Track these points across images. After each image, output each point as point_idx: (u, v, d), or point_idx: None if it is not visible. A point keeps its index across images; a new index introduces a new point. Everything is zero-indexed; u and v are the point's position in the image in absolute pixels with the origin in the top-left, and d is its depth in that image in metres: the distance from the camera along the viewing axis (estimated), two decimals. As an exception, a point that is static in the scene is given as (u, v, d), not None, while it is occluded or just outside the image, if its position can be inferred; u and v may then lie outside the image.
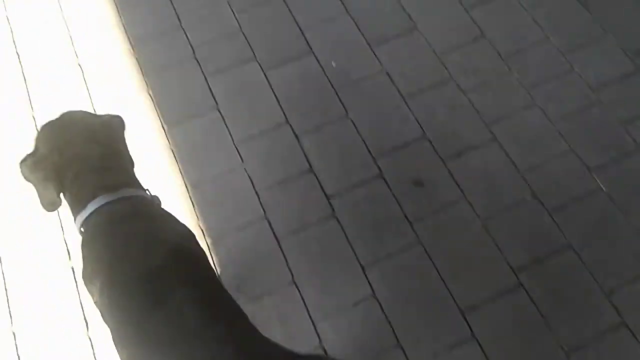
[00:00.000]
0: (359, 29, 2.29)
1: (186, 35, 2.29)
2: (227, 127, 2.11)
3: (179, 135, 2.10)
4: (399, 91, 2.17)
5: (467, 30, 2.29)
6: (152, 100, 2.16)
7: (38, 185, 1.27)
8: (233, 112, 2.14)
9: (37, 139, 1.30)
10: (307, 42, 2.27)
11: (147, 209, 1.29)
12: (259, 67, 2.22)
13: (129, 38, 2.29)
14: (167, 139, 2.08)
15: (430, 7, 2.34)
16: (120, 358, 1.16)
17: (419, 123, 2.10)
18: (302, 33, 2.28)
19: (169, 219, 1.32)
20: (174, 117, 2.13)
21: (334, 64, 2.22)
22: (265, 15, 2.32)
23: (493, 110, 2.12)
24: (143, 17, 2.33)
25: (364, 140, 2.08)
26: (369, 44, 2.26)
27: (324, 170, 2.03)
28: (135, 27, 2.32)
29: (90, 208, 1.24)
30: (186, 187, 2.00)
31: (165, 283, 1.15)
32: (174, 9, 2.35)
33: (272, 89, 2.18)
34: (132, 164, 1.39)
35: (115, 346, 1.17)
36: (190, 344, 1.09)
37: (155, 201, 1.35)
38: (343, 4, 2.35)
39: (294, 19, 2.31)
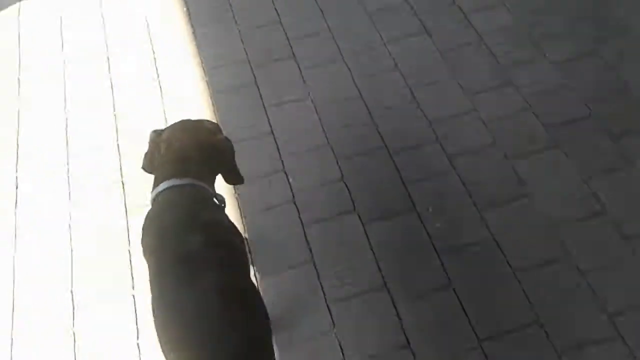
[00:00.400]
0: (467, 191, 2.18)
1: (287, 179, 2.25)
2: (320, 283, 1.99)
3: (271, 287, 2.00)
4: (508, 263, 2.00)
5: (585, 204, 2.13)
6: (247, 244, 2.09)
7: (148, 153, 1.60)
8: (328, 266, 2.03)
9: (167, 127, 1.60)
10: (410, 197, 2.17)
11: (204, 199, 1.47)
12: (359, 220, 2.13)
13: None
14: (259, 287, 1.98)
15: (545, 175, 2.21)
16: (155, 325, 1.33)
17: (529, 301, 1.91)
18: (406, 187, 2.20)
19: (219, 212, 1.50)
20: (268, 266, 2.05)
21: (430, 209, 2.11)
22: (369, 167, 2.26)
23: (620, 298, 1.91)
24: (247, 162, 2.32)
25: (467, 316, 1.90)
26: (476, 206, 2.14)
27: (423, 347, 1.85)
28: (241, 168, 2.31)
29: (162, 187, 1.46)
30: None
31: (198, 267, 1.33)
32: (279, 154, 2.33)
33: (370, 244, 2.07)
34: (213, 172, 1.58)
35: (152, 313, 1.35)
36: (209, 324, 1.27)
37: (217, 197, 1.56)
38: (452, 163, 2.26)
39: (398, 172, 2.24)
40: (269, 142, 2.35)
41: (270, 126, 2.39)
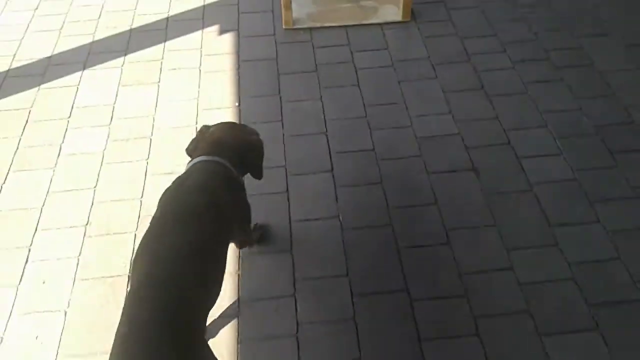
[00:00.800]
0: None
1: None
2: None
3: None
4: None
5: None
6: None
7: (194, 140, 1.88)
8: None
9: (215, 124, 1.91)
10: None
11: (226, 176, 1.75)
12: None
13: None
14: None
15: None
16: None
17: None
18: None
19: (235, 191, 1.79)
20: None
21: None
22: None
23: None
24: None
25: None
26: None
27: None
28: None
29: (195, 160, 1.77)
30: None
31: (181, 225, 1.57)
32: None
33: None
34: (242, 162, 1.84)
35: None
36: (163, 262, 1.49)
37: (236, 171, 1.80)
38: (477, 330, 2.04)
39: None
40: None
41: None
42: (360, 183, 2.47)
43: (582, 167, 2.49)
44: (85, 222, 2.32)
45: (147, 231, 1.60)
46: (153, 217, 1.64)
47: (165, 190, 1.73)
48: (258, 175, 1.92)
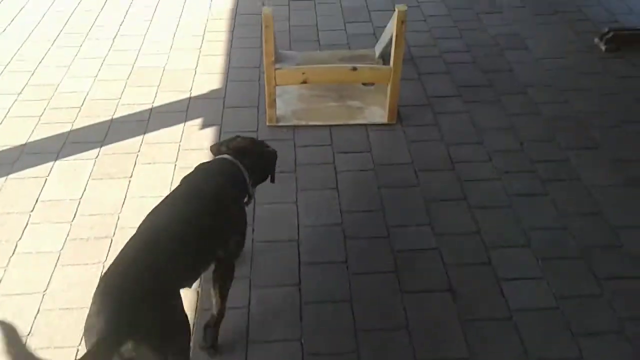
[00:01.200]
0: None
1: None
2: None
3: None
4: None
5: None
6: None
7: (218, 142, 2.29)
8: None
9: (241, 136, 2.27)
10: None
11: (236, 176, 2.08)
12: None
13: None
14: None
15: None
16: None
17: None
18: None
19: (238, 190, 2.09)
20: None
21: None
22: None
23: None
24: None
25: None
26: None
27: None
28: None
29: (216, 158, 2.16)
30: None
31: (186, 201, 1.93)
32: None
33: None
34: (255, 167, 2.18)
35: None
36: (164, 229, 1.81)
37: (249, 177, 2.12)
38: None
39: None
40: None
41: None
42: (328, 300, 2.31)
43: (565, 294, 2.33)
44: (27, 332, 2.15)
45: (164, 198, 1.98)
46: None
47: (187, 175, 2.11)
48: (272, 179, 2.33)
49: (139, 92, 3.54)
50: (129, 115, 3.34)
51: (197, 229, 1.83)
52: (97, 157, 3.02)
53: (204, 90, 3.58)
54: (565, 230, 2.62)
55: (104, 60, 3.85)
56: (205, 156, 3.02)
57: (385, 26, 3.52)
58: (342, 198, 2.80)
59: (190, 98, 3.50)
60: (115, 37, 4.13)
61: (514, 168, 2.99)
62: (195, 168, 2.12)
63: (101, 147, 3.09)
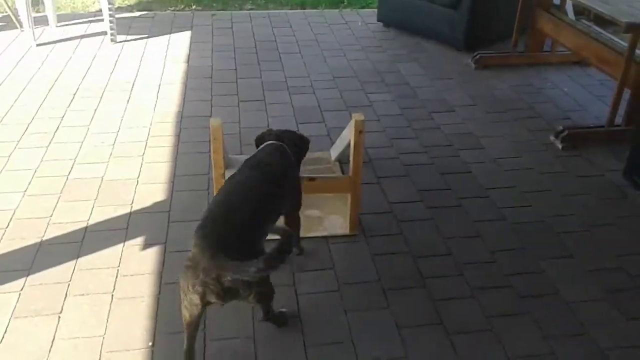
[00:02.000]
0: None
1: None
2: None
3: None
4: None
5: None
6: None
7: (261, 134, 2.76)
8: None
9: (273, 130, 2.80)
10: None
11: (286, 155, 2.59)
12: None
13: None
14: None
15: None
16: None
17: None
18: None
19: (287, 162, 2.59)
20: None
21: None
22: None
23: None
24: None
25: None
26: None
27: None
28: None
29: (264, 145, 2.64)
30: None
31: (242, 184, 2.39)
32: None
33: None
34: (294, 149, 2.67)
35: None
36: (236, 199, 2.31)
37: (289, 151, 2.63)
38: None
39: None
40: None
41: None
42: None
43: None
44: None
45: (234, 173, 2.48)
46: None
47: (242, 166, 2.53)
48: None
49: (72, 207, 3.19)
50: (61, 236, 2.97)
51: (268, 190, 2.39)
52: (22, 289, 2.62)
53: (147, 202, 3.27)
54: (553, 355, 2.39)
55: (35, 172, 3.50)
56: (148, 283, 2.68)
57: (339, 127, 3.36)
58: (306, 332, 2.47)
59: (131, 213, 3.17)
60: (48, 145, 3.80)
61: (489, 283, 2.77)
62: (258, 150, 2.62)
63: (27, 276, 2.69)
